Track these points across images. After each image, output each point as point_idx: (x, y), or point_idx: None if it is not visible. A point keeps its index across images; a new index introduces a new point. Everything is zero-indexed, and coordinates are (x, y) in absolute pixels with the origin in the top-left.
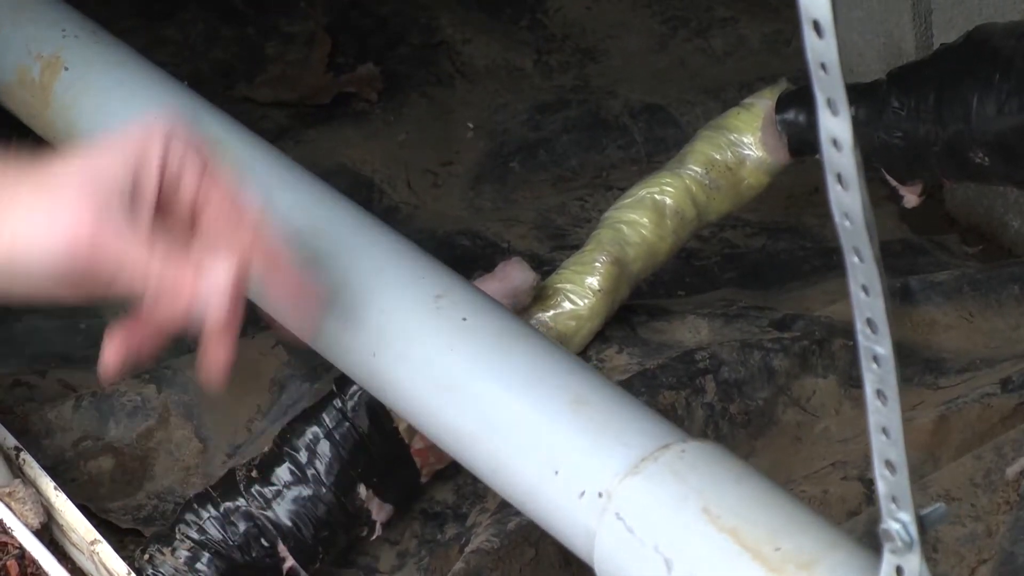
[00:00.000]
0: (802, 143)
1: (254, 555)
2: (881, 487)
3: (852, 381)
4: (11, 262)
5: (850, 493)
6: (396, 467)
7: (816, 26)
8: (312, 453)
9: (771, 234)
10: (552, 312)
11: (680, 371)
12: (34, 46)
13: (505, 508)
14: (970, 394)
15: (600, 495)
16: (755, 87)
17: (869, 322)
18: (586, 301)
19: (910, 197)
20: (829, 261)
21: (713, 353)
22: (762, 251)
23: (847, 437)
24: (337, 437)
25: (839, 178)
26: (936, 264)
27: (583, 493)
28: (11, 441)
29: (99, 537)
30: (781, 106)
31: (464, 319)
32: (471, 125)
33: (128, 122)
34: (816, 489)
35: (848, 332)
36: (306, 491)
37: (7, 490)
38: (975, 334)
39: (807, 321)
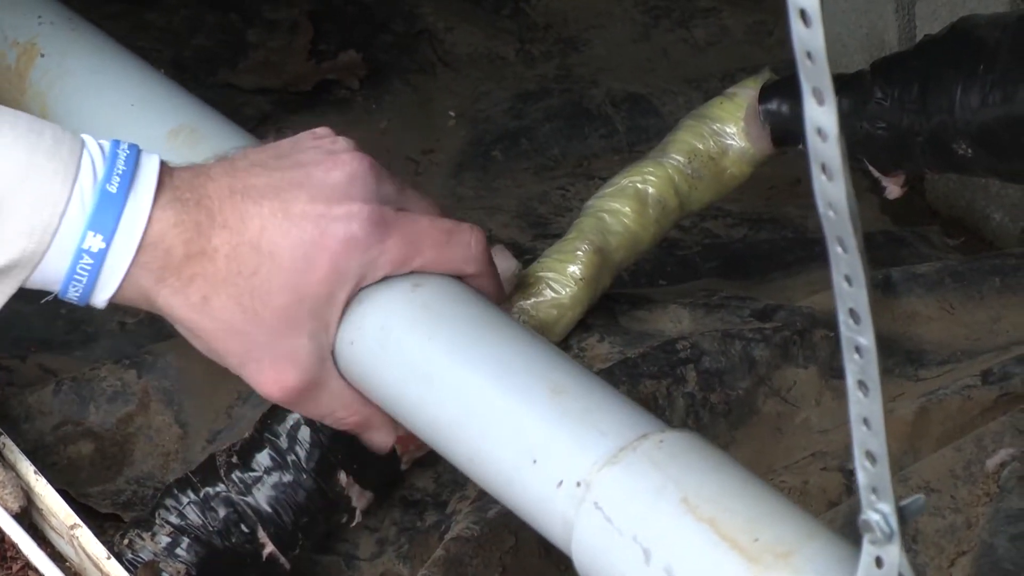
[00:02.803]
0: (785, 134)
1: (234, 541)
2: (861, 478)
3: (833, 372)
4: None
5: (830, 484)
6: (376, 454)
7: (803, 15)
8: (292, 439)
9: (753, 224)
10: (533, 300)
11: (661, 360)
12: (10, 32)
13: (485, 496)
14: (951, 386)
15: (578, 484)
16: (737, 77)
17: (852, 312)
18: (568, 290)
19: (892, 188)
20: (811, 252)
21: (694, 343)
22: (744, 241)
23: (827, 428)
24: (318, 423)
25: (824, 168)
26: (918, 256)
27: (561, 483)
28: None
29: (79, 521)
30: (764, 96)
31: (442, 308)
32: (453, 113)
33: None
34: (796, 480)
35: (830, 323)
36: (286, 477)
37: None
38: (956, 326)
39: (788, 311)
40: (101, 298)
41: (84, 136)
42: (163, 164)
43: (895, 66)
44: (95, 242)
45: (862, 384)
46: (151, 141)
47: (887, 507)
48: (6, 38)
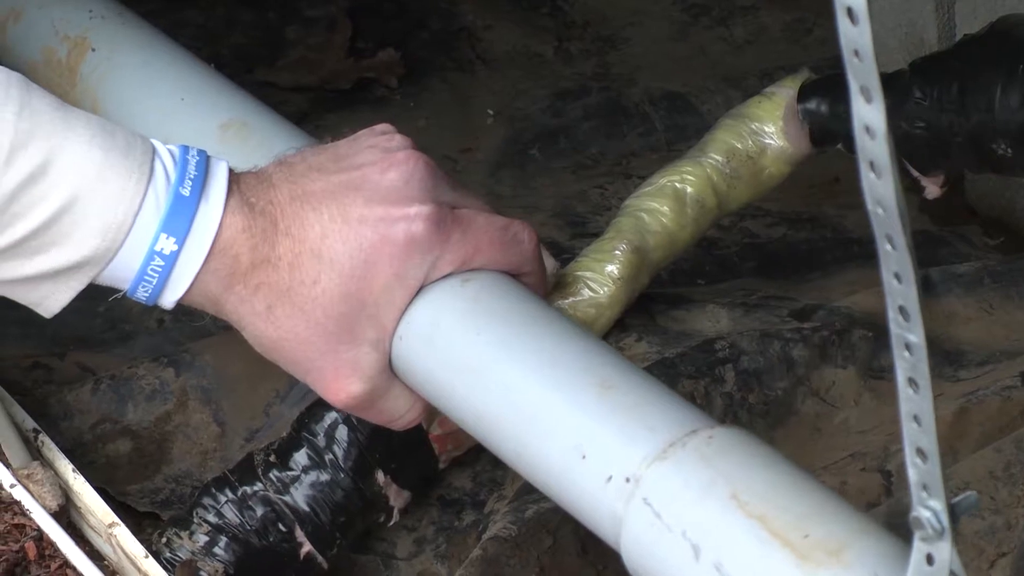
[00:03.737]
0: (824, 133)
1: (271, 540)
2: (912, 475)
3: (872, 372)
4: None
5: (869, 484)
6: (414, 453)
7: (850, 13)
8: (330, 438)
9: (791, 224)
10: (571, 299)
11: (699, 360)
12: (61, 27)
13: (523, 495)
14: (990, 387)
15: (627, 480)
16: (776, 76)
17: (902, 310)
18: (606, 289)
19: (932, 188)
20: (849, 251)
21: (733, 342)
22: (782, 241)
23: (866, 428)
24: (355, 422)
25: (872, 166)
26: (957, 256)
27: (610, 478)
28: (30, 423)
29: (117, 520)
30: (803, 96)
31: (491, 302)
32: (491, 111)
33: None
34: (835, 480)
35: (868, 323)
36: (324, 476)
37: (25, 472)
38: (995, 326)
39: (827, 311)
40: (169, 299)
41: (153, 140)
42: (231, 170)
43: (934, 65)
44: (167, 244)
45: (912, 381)
46: (202, 135)
47: (938, 504)
48: (57, 32)
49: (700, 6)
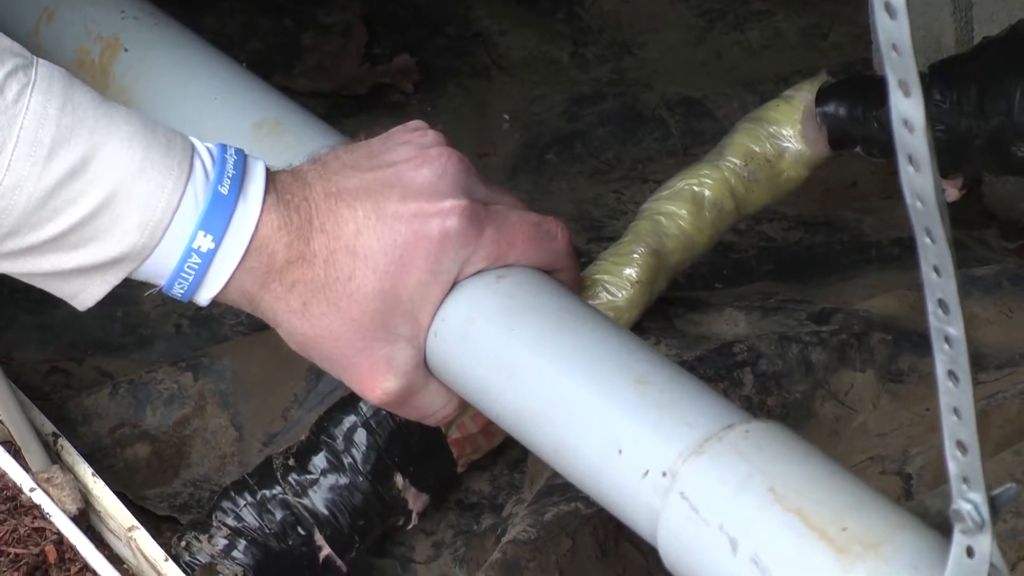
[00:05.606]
0: (842, 136)
1: (290, 543)
2: (952, 468)
3: (890, 375)
4: None
5: (888, 487)
6: (432, 457)
7: (888, 7)
8: (349, 442)
9: (808, 228)
10: (589, 303)
11: (718, 363)
12: (94, 27)
13: (542, 498)
14: (1010, 389)
15: (664, 474)
16: (792, 80)
17: (941, 303)
18: (624, 292)
19: (950, 191)
20: (867, 255)
21: (751, 346)
22: (799, 244)
23: (885, 431)
24: (374, 425)
25: (911, 159)
26: (975, 259)
27: (647, 472)
28: (49, 427)
29: (136, 524)
30: (821, 99)
31: (526, 298)
32: (507, 117)
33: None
34: None
35: (887, 326)
36: (343, 479)
37: (45, 476)
38: (1015, 329)
39: (845, 315)
40: (204, 296)
41: (192, 138)
42: (267, 168)
43: (953, 69)
44: (205, 242)
45: (952, 374)
46: (236, 134)
47: (978, 496)
48: (89, 33)
49: (716, 11)
